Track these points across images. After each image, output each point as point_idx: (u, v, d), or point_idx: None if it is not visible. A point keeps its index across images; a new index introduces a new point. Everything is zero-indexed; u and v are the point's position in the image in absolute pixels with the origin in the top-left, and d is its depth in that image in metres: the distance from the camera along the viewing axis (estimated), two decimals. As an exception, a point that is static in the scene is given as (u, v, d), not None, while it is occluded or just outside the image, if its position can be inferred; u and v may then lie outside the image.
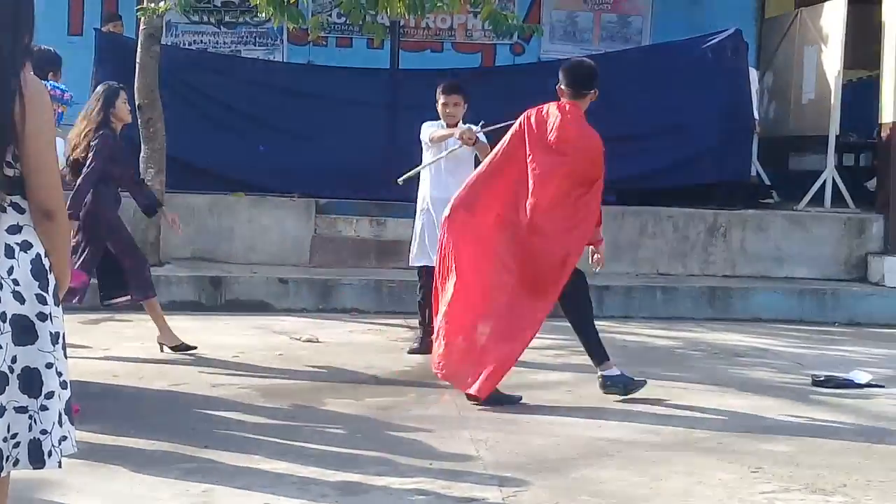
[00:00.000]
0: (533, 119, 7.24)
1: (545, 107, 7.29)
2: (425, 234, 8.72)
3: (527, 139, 7.19)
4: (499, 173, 7.30)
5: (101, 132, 8.11)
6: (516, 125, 7.31)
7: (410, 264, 9.03)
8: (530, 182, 7.12)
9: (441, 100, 8.66)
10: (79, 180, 8.08)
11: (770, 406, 7.29)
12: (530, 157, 7.15)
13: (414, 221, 8.98)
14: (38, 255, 3.66)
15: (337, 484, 5.34)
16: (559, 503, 5.16)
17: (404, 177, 8.75)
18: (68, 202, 8.01)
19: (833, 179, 12.91)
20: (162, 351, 8.41)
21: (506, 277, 7.22)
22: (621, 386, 7.27)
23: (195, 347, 8.45)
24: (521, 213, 7.17)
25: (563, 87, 7.27)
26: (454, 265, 7.26)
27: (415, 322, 9.16)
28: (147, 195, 8.80)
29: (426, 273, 8.57)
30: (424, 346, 8.54)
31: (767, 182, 13.83)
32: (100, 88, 8.37)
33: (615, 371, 7.34)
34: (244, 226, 12.06)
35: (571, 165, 7.11)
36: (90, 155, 8.07)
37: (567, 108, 7.21)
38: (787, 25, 14.44)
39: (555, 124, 7.14)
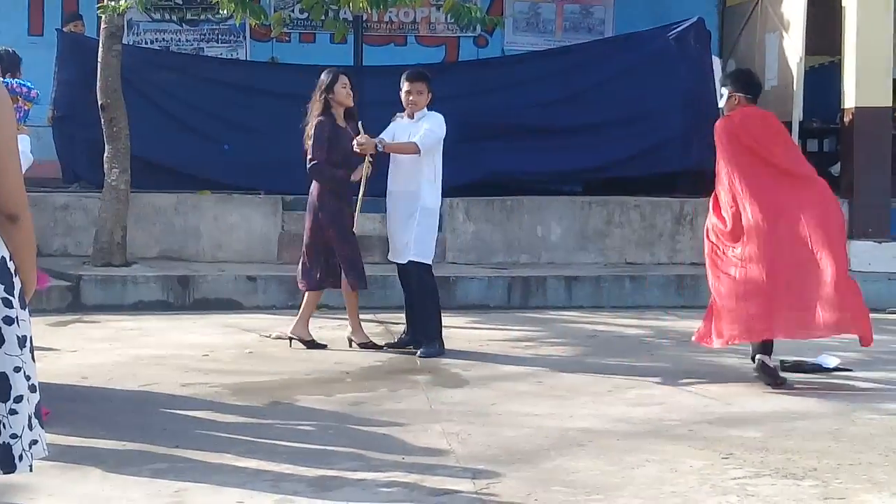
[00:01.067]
0: (734, 127, 7.47)
1: (732, 117, 7.53)
2: (388, 229, 8.70)
3: (734, 149, 7.42)
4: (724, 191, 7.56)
5: (318, 119, 8.28)
6: (719, 145, 7.51)
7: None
8: (764, 184, 7.34)
9: (405, 87, 8.53)
10: (310, 175, 8.38)
11: (739, 392, 7.32)
12: (748, 164, 7.39)
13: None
14: (2, 258, 3.61)
15: (311, 480, 5.33)
16: (533, 494, 5.16)
17: (356, 220, 8.55)
18: (319, 189, 8.38)
19: (797, 165, 12.96)
20: (350, 347, 8.51)
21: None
22: None
23: (382, 347, 8.53)
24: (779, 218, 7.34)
25: (740, 93, 7.53)
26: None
27: (384, 317, 9.14)
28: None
29: (399, 269, 8.59)
30: (402, 342, 8.57)
31: (732, 169, 13.85)
32: (323, 75, 8.49)
33: None
34: (211, 224, 12.00)
35: (793, 159, 7.48)
36: (310, 144, 8.27)
37: (752, 109, 7.52)
38: (748, 13, 14.50)
39: (760, 122, 7.50)
